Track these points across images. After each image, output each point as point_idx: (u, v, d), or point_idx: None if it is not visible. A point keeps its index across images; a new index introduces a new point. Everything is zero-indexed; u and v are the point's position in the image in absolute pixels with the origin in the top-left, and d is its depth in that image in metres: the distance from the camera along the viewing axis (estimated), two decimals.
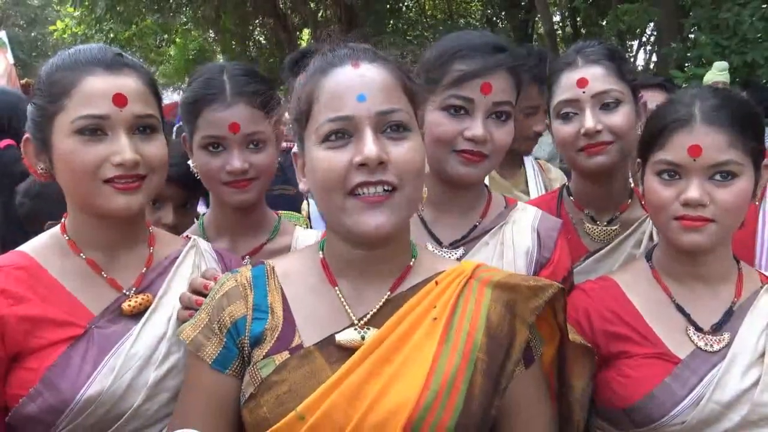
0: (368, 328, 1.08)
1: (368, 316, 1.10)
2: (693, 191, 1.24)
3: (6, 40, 4.70)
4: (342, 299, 1.12)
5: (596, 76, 1.57)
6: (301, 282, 1.16)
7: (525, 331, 1.12)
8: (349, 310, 1.11)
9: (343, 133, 1.03)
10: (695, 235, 1.26)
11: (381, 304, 1.11)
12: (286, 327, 1.11)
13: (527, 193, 2.38)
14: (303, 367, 1.06)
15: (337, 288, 1.13)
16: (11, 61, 4.71)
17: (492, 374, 1.08)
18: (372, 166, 1.00)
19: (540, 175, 2.45)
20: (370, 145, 1.01)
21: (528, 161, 2.49)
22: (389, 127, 1.04)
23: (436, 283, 1.12)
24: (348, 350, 1.06)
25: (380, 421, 1.00)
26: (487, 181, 2.32)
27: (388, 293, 1.12)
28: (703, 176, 1.25)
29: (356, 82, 1.04)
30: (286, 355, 1.07)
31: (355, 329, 1.08)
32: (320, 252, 1.18)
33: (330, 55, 1.09)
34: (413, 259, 1.17)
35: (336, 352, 1.07)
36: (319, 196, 1.08)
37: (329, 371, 1.04)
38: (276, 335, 1.10)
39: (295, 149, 1.15)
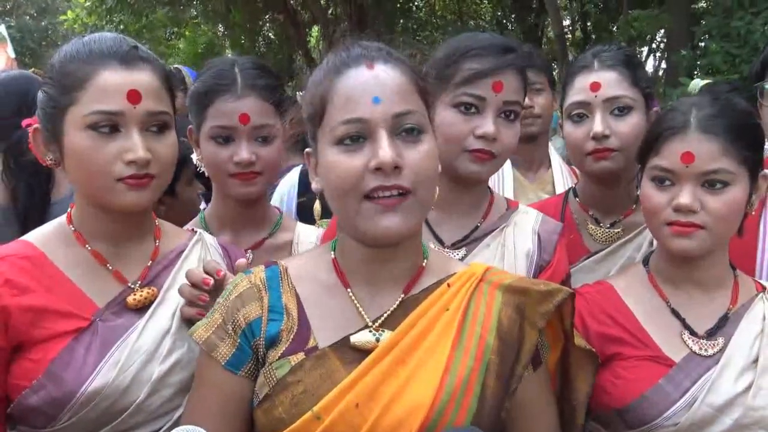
0: (383, 331, 1.08)
1: (382, 318, 1.10)
2: (684, 197, 1.26)
3: (6, 34, 4.62)
4: (355, 301, 1.12)
5: (609, 81, 1.59)
6: (314, 283, 1.15)
7: (534, 335, 1.12)
8: (362, 312, 1.10)
9: (357, 135, 1.02)
10: (685, 241, 1.28)
11: (395, 306, 1.11)
12: (301, 328, 1.10)
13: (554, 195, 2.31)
14: (318, 368, 1.06)
15: (349, 290, 1.13)
16: (12, 55, 4.60)
17: (503, 377, 1.08)
18: (387, 170, 1.00)
19: (569, 178, 2.39)
20: (385, 149, 0.99)
21: (555, 162, 2.45)
22: (404, 130, 1.03)
23: (449, 285, 1.13)
24: (362, 352, 1.06)
25: (395, 423, 1.00)
26: (511, 182, 2.33)
27: (402, 295, 1.12)
28: (695, 183, 1.26)
29: (371, 83, 1.03)
30: (301, 356, 1.07)
31: (370, 331, 1.08)
32: (332, 252, 1.17)
33: (344, 54, 1.08)
34: (425, 260, 1.16)
35: (350, 353, 1.07)
36: (333, 199, 1.08)
37: (344, 372, 1.04)
38: (291, 336, 1.09)
39: (307, 149, 1.15)
